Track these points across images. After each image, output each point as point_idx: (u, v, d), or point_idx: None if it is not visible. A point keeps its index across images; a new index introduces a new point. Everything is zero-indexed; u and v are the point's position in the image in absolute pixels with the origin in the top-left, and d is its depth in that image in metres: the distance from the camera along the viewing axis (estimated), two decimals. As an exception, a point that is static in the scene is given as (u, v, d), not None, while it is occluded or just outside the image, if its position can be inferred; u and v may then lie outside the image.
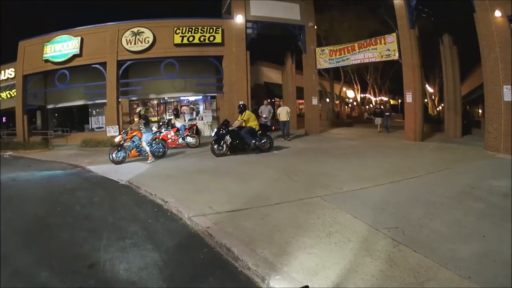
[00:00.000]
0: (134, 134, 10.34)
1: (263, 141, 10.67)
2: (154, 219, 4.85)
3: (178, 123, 13.61)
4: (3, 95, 20.91)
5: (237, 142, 10.43)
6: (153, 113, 19.35)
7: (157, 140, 10.91)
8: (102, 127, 18.85)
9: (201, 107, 20.01)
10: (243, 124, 10.53)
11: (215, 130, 10.80)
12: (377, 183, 5.89)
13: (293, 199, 5.03)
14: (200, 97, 19.82)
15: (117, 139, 10.50)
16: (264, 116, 14.21)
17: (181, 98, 19.92)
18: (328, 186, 5.74)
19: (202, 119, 17.95)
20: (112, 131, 15.62)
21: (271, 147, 10.83)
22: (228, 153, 10.40)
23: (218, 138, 10.42)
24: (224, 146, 10.38)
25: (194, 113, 19.93)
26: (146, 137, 10.30)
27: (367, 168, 7.52)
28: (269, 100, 17.44)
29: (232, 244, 3.41)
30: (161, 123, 14.91)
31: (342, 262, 2.93)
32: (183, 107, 19.65)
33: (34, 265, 3.63)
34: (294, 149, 11.58)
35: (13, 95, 20.08)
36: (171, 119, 14.40)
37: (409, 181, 6.18)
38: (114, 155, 10.07)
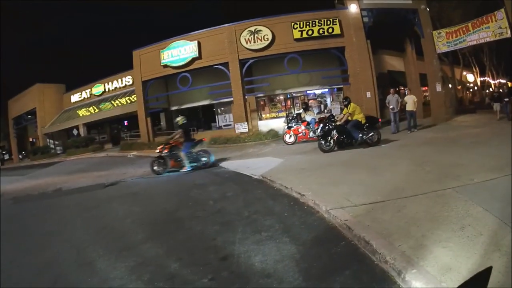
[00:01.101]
0: (173, 144, 10.64)
1: (370, 134, 10.33)
2: (290, 213, 5.02)
3: (308, 117, 14.00)
4: (123, 100, 23.10)
5: (344, 137, 10.25)
6: (281, 109, 20.05)
7: (197, 150, 10.85)
8: (230, 125, 20.10)
9: (328, 100, 20.19)
10: (349, 118, 10.35)
11: (321, 126, 10.72)
12: (505, 173, 5.50)
13: (427, 191, 5.02)
14: (327, 89, 20.03)
15: (157, 150, 10.79)
16: (391, 107, 13.67)
17: (307, 92, 20.28)
18: (459, 177, 5.58)
19: (330, 112, 17.76)
20: (241, 128, 16.72)
21: (379, 140, 10.44)
22: (335, 148, 10.28)
23: (325, 133, 10.38)
24: (331, 141, 10.28)
25: (322, 106, 20.15)
26: (185, 147, 10.46)
27: (494, 157, 7.00)
28: (396, 89, 16.83)
29: (371, 237, 3.51)
30: (290, 118, 15.32)
31: (473, 257, 2.96)
32: (310, 101, 19.93)
33: (163, 256, 3.91)
34: (406, 141, 11.08)
35: (132, 100, 21.98)
36: (300, 113, 14.83)
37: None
38: (154, 166, 10.50)
